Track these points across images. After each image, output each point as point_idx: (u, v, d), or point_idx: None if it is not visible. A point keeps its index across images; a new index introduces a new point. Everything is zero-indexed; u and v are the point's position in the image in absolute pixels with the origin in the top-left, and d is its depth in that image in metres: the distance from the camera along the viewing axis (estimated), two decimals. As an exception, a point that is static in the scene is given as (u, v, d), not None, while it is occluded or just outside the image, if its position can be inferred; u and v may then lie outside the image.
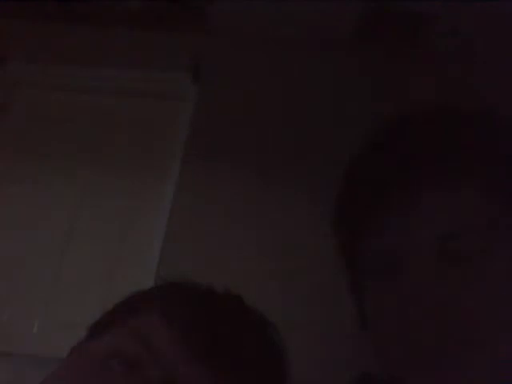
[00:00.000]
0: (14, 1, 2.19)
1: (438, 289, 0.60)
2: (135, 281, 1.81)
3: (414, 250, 0.62)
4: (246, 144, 2.12)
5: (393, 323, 0.63)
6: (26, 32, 2.28)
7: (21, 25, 2.27)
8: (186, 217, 2.02)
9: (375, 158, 0.67)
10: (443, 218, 0.62)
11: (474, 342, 0.59)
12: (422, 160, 0.63)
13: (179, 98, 2.25)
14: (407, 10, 1.96)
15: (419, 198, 0.63)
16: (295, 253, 1.91)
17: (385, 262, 0.64)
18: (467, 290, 0.60)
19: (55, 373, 0.64)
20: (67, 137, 2.22)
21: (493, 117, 0.68)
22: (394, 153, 0.65)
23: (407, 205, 0.63)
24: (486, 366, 0.59)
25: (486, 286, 0.60)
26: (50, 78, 2.31)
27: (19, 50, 2.28)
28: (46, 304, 1.97)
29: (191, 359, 0.62)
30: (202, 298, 0.69)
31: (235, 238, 1.98)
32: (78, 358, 0.66)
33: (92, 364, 0.62)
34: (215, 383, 0.63)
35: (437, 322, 0.59)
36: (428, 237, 0.62)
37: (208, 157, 2.11)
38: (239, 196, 2.05)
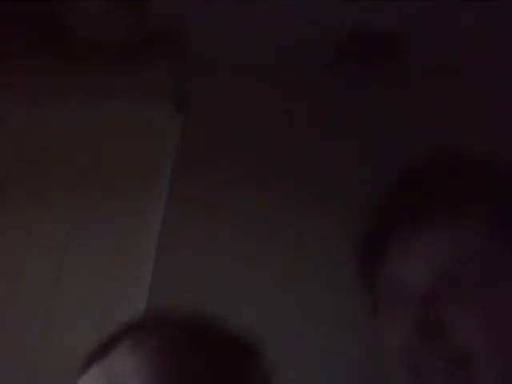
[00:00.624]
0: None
1: (438, 316, 0.63)
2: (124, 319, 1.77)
3: (415, 280, 0.66)
4: (232, 170, 2.11)
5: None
6: (7, 70, 2.28)
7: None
8: (175, 248, 2.00)
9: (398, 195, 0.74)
10: (444, 253, 0.66)
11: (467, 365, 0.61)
12: (434, 199, 0.69)
13: (165, 126, 2.24)
14: (381, 29, 1.96)
15: (425, 232, 0.68)
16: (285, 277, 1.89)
17: (395, 288, 0.69)
18: (466, 321, 0.62)
19: None
20: (54, 169, 2.22)
21: (492, 158, 0.73)
22: (410, 191, 0.72)
23: (416, 237, 0.68)
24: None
25: (486, 320, 0.62)
26: (35, 114, 2.31)
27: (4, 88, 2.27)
28: (34, 348, 1.93)
29: None
30: (177, 334, 0.69)
31: (223, 265, 1.94)
32: None
33: None
34: None
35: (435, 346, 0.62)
36: (429, 268, 0.65)
37: (195, 184, 2.09)
38: (227, 223, 2.03)
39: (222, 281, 1.89)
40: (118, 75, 2.25)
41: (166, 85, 2.21)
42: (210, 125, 2.19)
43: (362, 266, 0.77)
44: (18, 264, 2.06)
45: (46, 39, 2.20)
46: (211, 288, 1.88)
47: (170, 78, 2.21)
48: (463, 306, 0.63)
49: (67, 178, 2.21)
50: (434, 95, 1.91)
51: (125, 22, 2.20)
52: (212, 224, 2.03)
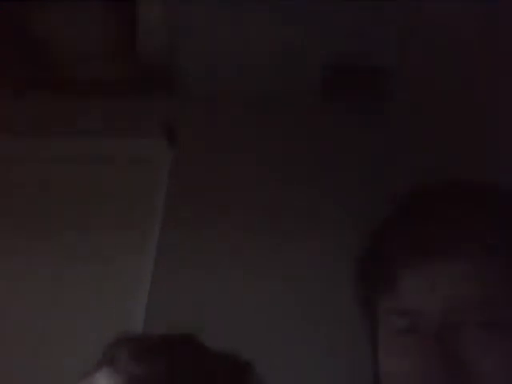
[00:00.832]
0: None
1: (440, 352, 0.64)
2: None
3: (419, 315, 0.67)
4: (224, 205, 2.12)
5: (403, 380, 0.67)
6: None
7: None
8: (168, 281, 1.99)
9: (401, 225, 0.75)
10: (445, 290, 0.67)
11: None
12: (444, 226, 0.69)
13: (156, 162, 2.26)
14: (368, 65, 2.01)
15: (429, 266, 0.68)
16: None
17: (403, 320, 0.69)
18: (488, 359, 0.63)
19: None
20: (45, 205, 2.21)
21: (491, 192, 0.75)
22: (417, 218, 0.73)
23: (428, 265, 0.68)
24: None
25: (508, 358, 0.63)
26: (26, 150, 2.31)
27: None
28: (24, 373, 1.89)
29: None
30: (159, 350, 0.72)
31: (218, 300, 1.94)
32: None
33: None
34: None
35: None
36: (445, 297, 0.66)
37: (188, 220, 2.09)
38: (221, 258, 2.02)
39: (219, 304, 1.90)
40: (109, 111, 2.28)
41: (157, 120, 2.23)
42: (201, 158, 2.22)
43: (362, 290, 0.79)
44: (6, 292, 2.04)
45: (41, 76, 2.22)
46: (209, 310, 1.90)
47: (161, 114, 2.24)
48: (484, 344, 0.64)
49: (60, 206, 2.22)
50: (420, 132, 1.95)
51: (116, 60, 2.23)
52: (209, 247, 2.05)
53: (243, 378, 0.73)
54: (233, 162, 2.20)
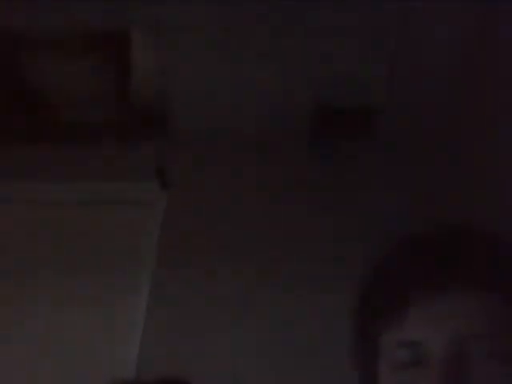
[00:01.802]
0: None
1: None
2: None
3: (425, 347, 0.67)
4: (217, 246, 2.12)
5: None
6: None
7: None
8: (160, 323, 1.99)
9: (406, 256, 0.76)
10: (462, 320, 0.68)
11: None
12: (443, 265, 0.70)
13: (149, 203, 2.27)
14: (355, 105, 2.01)
15: (433, 300, 0.69)
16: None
17: (408, 353, 0.69)
18: None
19: None
20: (41, 248, 2.24)
21: (492, 233, 0.75)
22: (417, 256, 0.74)
23: (422, 305, 0.69)
24: None
25: None
26: (23, 194, 2.35)
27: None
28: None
29: None
30: None
31: (210, 342, 1.94)
32: None
33: None
34: None
35: None
36: (449, 334, 0.67)
37: (180, 261, 2.09)
38: (213, 300, 2.02)
39: (210, 353, 1.89)
40: (103, 156, 2.31)
41: (149, 163, 2.25)
42: (195, 198, 2.23)
43: (361, 327, 0.77)
44: (5, 328, 2.05)
45: (32, 122, 2.26)
46: (199, 357, 1.89)
47: (154, 157, 2.25)
48: (488, 375, 0.64)
49: (57, 248, 2.24)
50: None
51: (109, 104, 2.25)
52: (200, 292, 2.04)
53: None
54: (223, 204, 2.20)
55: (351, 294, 0.76)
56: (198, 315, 2.01)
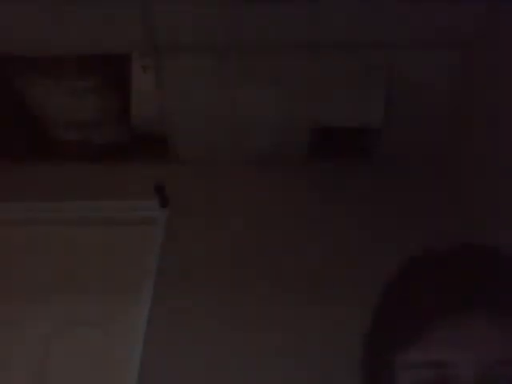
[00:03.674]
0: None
1: None
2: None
3: (457, 368, 0.67)
4: (219, 266, 2.13)
5: None
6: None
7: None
8: (161, 346, 1.99)
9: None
10: (489, 343, 0.67)
11: None
12: (465, 288, 0.70)
13: (149, 223, 2.27)
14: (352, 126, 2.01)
15: (464, 321, 0.69)
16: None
17: (433, 373, 0.68)
18: None
19: None
20: (42, 267, 2.24)
21: (502, 255, 0.74)
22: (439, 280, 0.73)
23: (455, 327, 0.69)
24: None
25: None
26: (22, 214, 2.35)
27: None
28: None
29: None
30: None
31: (209, 366, 1.94)
32: None
33: None
34: None
35: None
36: (476, 359, 0.67)
37: (180, 281, 2.10)
38: (213, 319, 2.02)
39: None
40: (104, 176, 2.33)
41: (149, 185, 2.25)
42: (193, 221, 2.23)
43: (376, 354, 0.77)
44: (5, 353, 2.05)
45: (32, 144, 2.26)
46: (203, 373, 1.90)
47: (154, 178, 2.26)
48: None
49: (56, 271, 2.24)
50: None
51: (110, 127, 2.25)
52: (198, 321, 2.03)
53: None
54: (223, 225, 2.21)
55: (363, 307, 0.75)
56: (200, 330, 2.01)
